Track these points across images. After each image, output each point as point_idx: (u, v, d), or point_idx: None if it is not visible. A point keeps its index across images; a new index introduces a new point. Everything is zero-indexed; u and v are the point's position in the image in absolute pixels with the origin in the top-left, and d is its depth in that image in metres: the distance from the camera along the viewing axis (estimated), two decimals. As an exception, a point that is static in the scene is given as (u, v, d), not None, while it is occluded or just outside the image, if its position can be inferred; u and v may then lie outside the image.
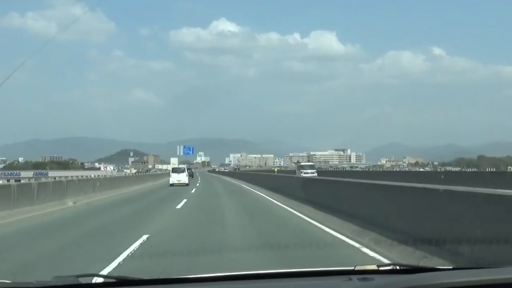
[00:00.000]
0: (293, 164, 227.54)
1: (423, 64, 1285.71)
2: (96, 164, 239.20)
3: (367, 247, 7.61)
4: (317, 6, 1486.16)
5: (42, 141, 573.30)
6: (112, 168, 55.71)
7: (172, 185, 33.09)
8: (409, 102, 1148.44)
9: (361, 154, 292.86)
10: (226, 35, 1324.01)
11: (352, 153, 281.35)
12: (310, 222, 11.26)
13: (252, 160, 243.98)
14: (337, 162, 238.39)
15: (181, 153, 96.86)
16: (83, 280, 2.13)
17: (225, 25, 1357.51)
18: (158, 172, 68.34)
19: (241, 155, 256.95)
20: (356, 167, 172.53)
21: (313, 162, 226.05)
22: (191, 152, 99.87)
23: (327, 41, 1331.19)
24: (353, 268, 2.24)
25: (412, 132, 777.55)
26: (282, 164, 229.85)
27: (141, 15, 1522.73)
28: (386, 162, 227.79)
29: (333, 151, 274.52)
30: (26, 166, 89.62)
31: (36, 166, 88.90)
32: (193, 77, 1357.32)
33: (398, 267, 2.30)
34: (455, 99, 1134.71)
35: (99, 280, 2.24)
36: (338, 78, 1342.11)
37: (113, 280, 2.20)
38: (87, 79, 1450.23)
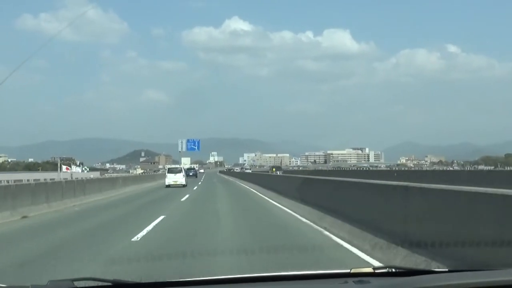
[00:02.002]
0: (310, 164, 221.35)
1: (438, 62, 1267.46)
2: (107, 165, 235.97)
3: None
4: (330, 4, 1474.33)
5: (57, 142, 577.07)
6: (81, 168, 47.34)
7: (168, 186, 31.69)
8: (424, 100, 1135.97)
9: (379, 153, 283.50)
10: (239, 34, 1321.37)
11: (370, 152, 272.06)
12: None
13: (267, 159, 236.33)
14: (355, 161, 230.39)
15: (184, 149, 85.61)
16: (79, 284, 2.12)
17: (238, 24, 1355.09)
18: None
19: (255, 155, 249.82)
20: (376, 166, 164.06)
21: (330, 162, 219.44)
22: (196, 147, 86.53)
23: (340, 39, 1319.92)
24: (348, 270, 2.23)
25: (427, 131, 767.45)
26: (299, 164, 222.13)
27: (153, 15, 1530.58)
28: (407, 161, 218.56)
29: (351, 150, 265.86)
30: (18, 167, 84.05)
31: (29, 167, 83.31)
32: (206, 77, 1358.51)
33: (394, 270, 2.29)
34: (470, 97, 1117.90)
35: (95, 283, 2.22)
36: (351, 77, 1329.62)
37: (109, 284, 2.16)
38: (101, 80, 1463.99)
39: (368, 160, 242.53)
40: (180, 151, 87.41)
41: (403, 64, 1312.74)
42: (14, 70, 10.29)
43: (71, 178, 31.61)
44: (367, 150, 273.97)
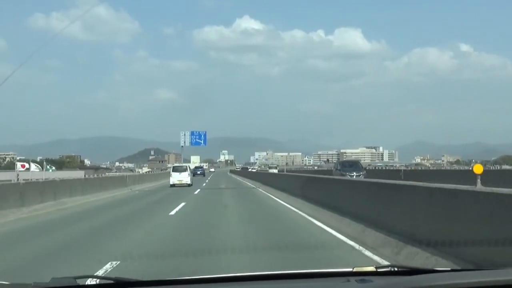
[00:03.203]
0: (322, 163, 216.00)
1: (450, 61, 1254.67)
2: (117, 164, 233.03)
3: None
4: (342, 2, 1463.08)
5: (68, 140, 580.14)
6: (45, 167, 42.12)
7: (173, 185, 30.25)
8: (435, 99, 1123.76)
9: (393, 151, 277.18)
10: (250, 33, 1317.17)
11: (384, 151, 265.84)
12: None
13: (278, 158, 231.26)
14: (369, 160, 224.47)
15: (187, 143, 73.16)
16: (81, 282, 2.12)
17: (249, 23, 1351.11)
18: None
19: (266, 153, 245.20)
20: (392, 166, 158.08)
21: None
22: (202, 141, 73.21)
23: (352, 38, 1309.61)
24: (351, 269, 2.24)
25: (438, 130, 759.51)
26: (311, 163, 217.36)
27: (164, 14, 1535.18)
28: (423, 161, 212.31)
29: (365, 148, 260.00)
30: (12, 165, 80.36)
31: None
32: (217, 76, 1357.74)
33: (396, 269, 2.30)
34: (482, 96, 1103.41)
35: (97, 281, 2.20)
36: (363, 76, 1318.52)
37: (111, 282, 2.17)
38: (113, 79, 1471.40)
39: (382, 159, 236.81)
40: (182, 146, 74.93)
41: (415, 63, 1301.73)
42: (17, 68, 10.11)
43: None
44: (381, 149, 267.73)
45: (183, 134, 74.12)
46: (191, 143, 74.15)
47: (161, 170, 77.72)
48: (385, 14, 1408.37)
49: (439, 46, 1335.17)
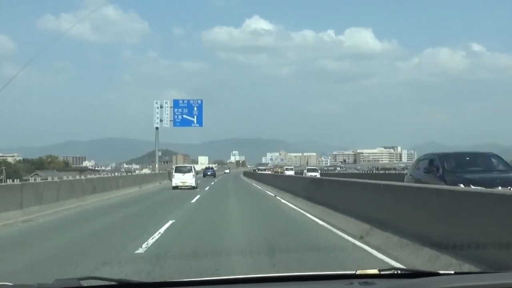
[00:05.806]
0: (340, 163, 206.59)
1: (462, 61, 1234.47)
2: (124, 165, 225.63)
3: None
4: (352, 2, 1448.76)
5: (78, 142, 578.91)
6: None
7: (176, 187, 28.22)
8: (447, 100, 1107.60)
9: (412, 152, 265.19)
10: (260, 34, 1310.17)
11: (403, 151, 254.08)
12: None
13: (292, 159, 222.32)
14: (387, 161, 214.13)
15: (167, 122, 41.90)
16: (85, 283, 2.14)
17: (259, 23, 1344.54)
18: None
19: (279, 154, 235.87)
20: (407, 167, 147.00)
21: (360, 161, 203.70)
22: (194, 119, 41.34)
23: (363, 38, 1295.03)
24: (354, 272, 2.25)
25: (451, 131, 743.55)
26: (328, 164, 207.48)
27: (174, 15, 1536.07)
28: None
29: (382, 148, 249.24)
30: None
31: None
32: (227, 77, 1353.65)
33: (399, 271, 2.32)
34: (495, 96, 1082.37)
35: (101, 283, 2.23)
36: (374, 76, 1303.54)
37: (115, 283, 2.19)
38: (122, 80, 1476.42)
39: (401, 160, 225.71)
40: (157, 128, 42.72)
41: (426, 63, 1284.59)
42: (22, 68, 10.52)
43: None
44: (399, 149, 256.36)
45: (158, 105, 41.53)
46: (174, 123, 42.22)
47: (165, 171, 68.84)
48: (396, 13, 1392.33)
49: (451, 46, 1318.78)
